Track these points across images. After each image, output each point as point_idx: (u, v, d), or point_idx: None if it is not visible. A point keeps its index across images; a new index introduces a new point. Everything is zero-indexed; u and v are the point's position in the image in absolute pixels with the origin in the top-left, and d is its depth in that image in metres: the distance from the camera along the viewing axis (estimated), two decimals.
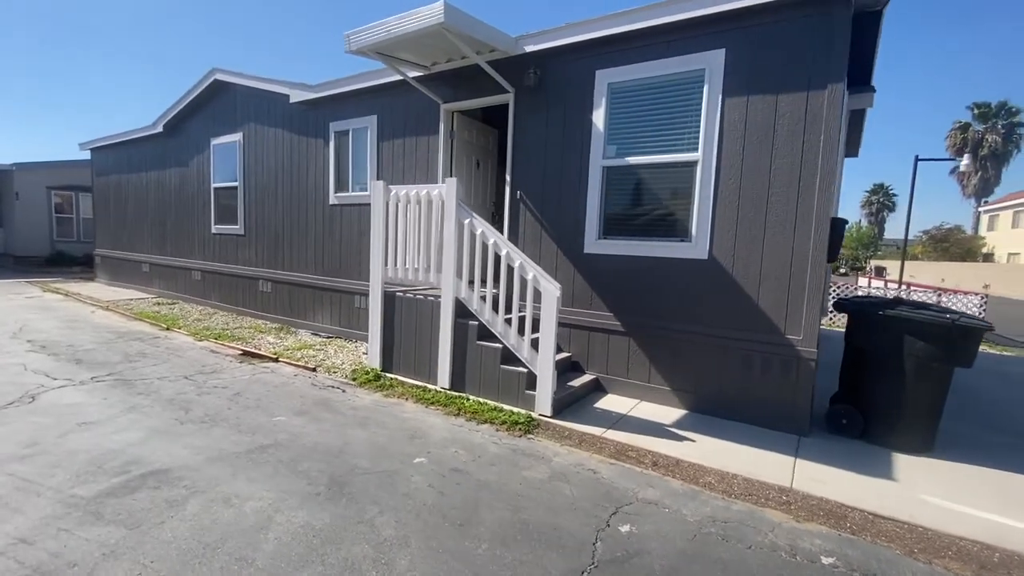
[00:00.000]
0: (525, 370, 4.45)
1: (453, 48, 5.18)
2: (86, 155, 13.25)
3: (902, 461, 3.75)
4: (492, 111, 6.38)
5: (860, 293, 12.46)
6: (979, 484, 3.46)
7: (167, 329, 7.67)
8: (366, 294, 6.66)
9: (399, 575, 2.32)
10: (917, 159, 13.74)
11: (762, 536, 2.78)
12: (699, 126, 4.42)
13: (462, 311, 4.86)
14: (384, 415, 4.40)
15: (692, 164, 4.48)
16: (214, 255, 9.55)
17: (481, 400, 4.63)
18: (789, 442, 3.99)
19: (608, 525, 2.80)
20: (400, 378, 5.29)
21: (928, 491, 3.31)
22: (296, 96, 7.44)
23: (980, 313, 10.20)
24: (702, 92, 4.39)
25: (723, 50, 4.28)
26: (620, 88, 4.82)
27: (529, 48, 5.18)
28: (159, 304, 9.87)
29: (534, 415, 4.30)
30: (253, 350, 6.39)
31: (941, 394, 3.86)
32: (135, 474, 3.14)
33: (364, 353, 6.37)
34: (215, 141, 9.22)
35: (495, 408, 4.44)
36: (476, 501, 3.00)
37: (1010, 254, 35.73)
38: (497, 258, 4.60)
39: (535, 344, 4.37)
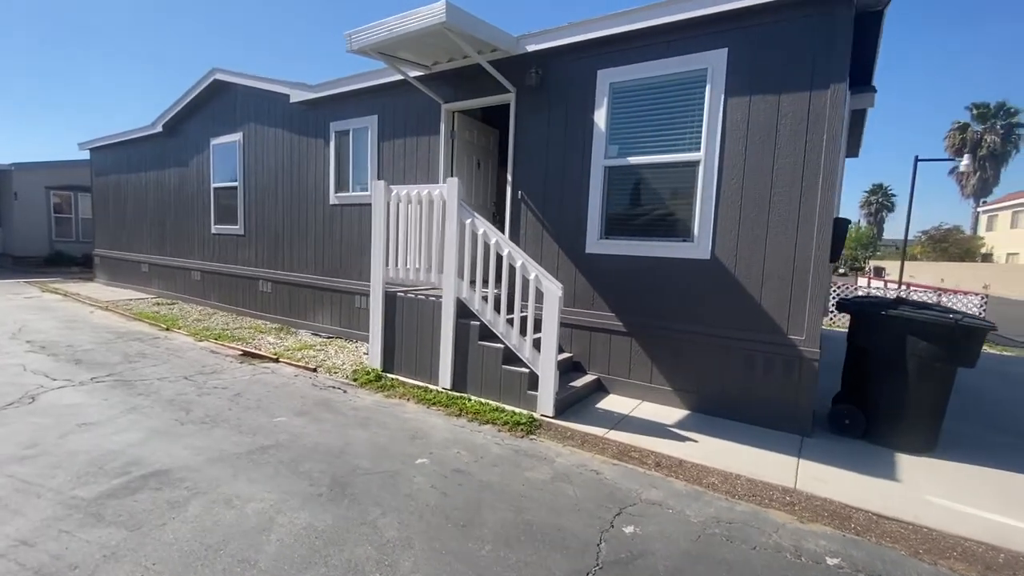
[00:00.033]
0: (527, 370, 4.44)
1: (454, 48, 5.17)
2: (85, 155, 13.22)
3: (905, 461, 3.75)
4: (493, 111, 6.37)
5: (860, 293, 12.46)
6: (982, 484, 3.45)
7: (167, 329, 7.64)
8: (366, 294, 6.65)
9: None
10: (917, 159, 13.76)
11: (766, 537, 2.77)
12: (701, 126, 4.41)
13: (463, 311, 4.84)
14: (385, 416, 4.38)
15: (694, 164, 4.47)
16: (214, 255, 9.53)
17: (483, 400, 4.62)
18: (792, 442, 3.98)
19: (612, 526, 2.78)
20: (401, 378, 5.28)
21: (932, 491, 3.30)
22: (296, 96, 7.43)
23: (980, 313, 10.20)
24: (704, 92, 4.38)
25: (725, 50, 4.28)
26: (622, 88, 4.81)
27: (531, 48, 5.16)
28: (158, 304, 9.84)
29: (536, 415, 4.28)
30: (253, 350, 6.37)
31: (944, 394, 3.85)
32: (136, 475, 3.12)
33: (365, 353, 6.36)
34: (215, 141, 9.20)
35: (497, 409, 4.42)
36: (479, 502, 2.99)
37: (1009, 254, 35.79)
38: (499, 258, 4.59)
39: (537, 344, 4.36)
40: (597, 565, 2.44)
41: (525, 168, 5.47)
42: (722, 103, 4.31)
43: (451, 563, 2.41)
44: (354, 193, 7.08)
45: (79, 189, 17.33)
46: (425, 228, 4.98)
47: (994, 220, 39.33)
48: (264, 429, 3.96)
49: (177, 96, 9.67)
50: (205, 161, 9.48)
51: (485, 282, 4.76)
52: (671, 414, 4.51)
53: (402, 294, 5.34)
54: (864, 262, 42.33)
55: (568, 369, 5.12)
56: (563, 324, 4.95)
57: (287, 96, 7.58)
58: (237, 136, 8.71)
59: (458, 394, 4.81)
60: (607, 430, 4.07)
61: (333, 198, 7.31)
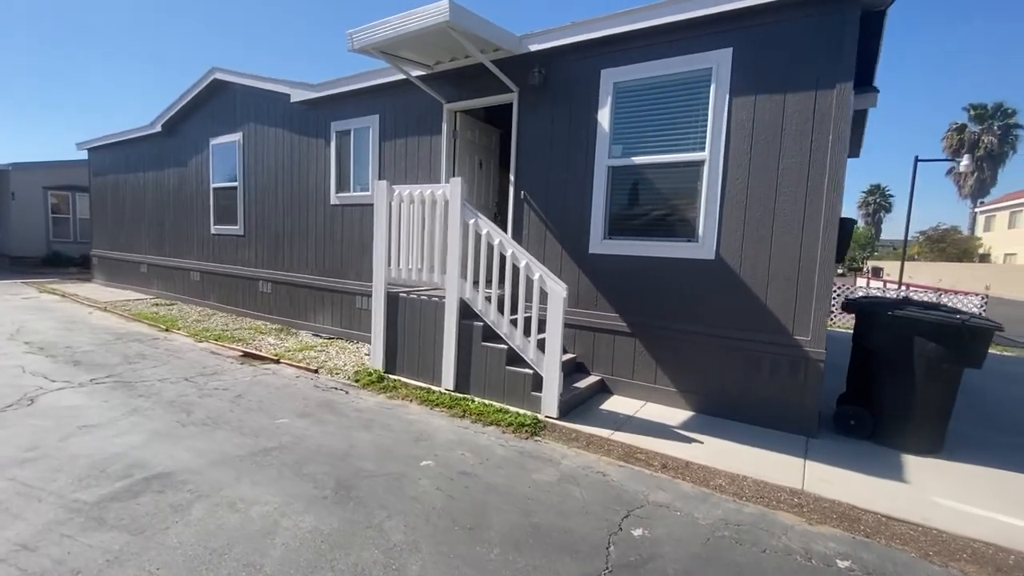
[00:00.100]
0: (531, 371, 4.42)
1: (457, 47, 5.14)
2: (83, 155, 13.16)
3: (912, 462, 3.73)
4: (494, 111, 6.35)
5: (860, 294, 12.47)
6: (990, 485, 3.44)
7: (166, 330, 7.60)
8: (368, 295, 6.61)
9: None
10: (917, 160, 13.77)
11: (776, 539, 2.74)
12: (706, 125, 4.40)
13: (466, 312, 4.82)
14: (388, 417, 4.35)
15: (699, 164, 4.45)
16: (213, 255, 9.48)
17: (486, 402, 4.59)
18: (798, 443, 3.96)
19: (620, 529, 2.76)
20: (404, 379, 5.25)
21: (939, 493, 3.28)
22: (297, 96, 7.39)
23: (981, 314, 10.21)
24: (709, 91, 4.36)
25: (730, 49, 4.26)
26: (626, 87, 4.79)
27: (534, 47, 5.14)
28: (157, 305, 9.79)
29: (540, 417, 4.26)
30: (254, 351, 6.34)
31: (950, 395, 3.84)
32: (138, 478, 3.09)
33: (366, 354, 6.32)
34: (214, 141, 9.16)
35: (500, 410, 4.39)
36: (485, 505, 2.96)
37: (1006, 254, 35.89)
38: (502, 258, 4.57)
39: (541, 345, 4.34)
40: (607, 569, 2.42)
41: (528, 168, 5.45)
42: (727, 103, 4.29)
43: (459, 567, 2.38)
44: (355, 193, 7.04)
45: (77, 189, 17.26)
46: (428, 228, 4.96)
47: (992, 220, 39.44)
48: (266, 431, 3.93)
49: (176, 96, 9.63)
50: (204, 161, 9.44)
51: (488, 283, 4.73)
52: (676, 415, 4.48)
53: (404, 295, 5.31)
54: (862, 263, 42.42)
55: (572, 370, 5.09)
56: (566, 325, 4.89)
57: (287, 96, 7.54)
58: (237, 136, 8.67)
59: (461, 395, 4.78)
60: (612, 431, 4.05)
61: (334, 198, 7.28)
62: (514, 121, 5.50)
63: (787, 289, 4.16)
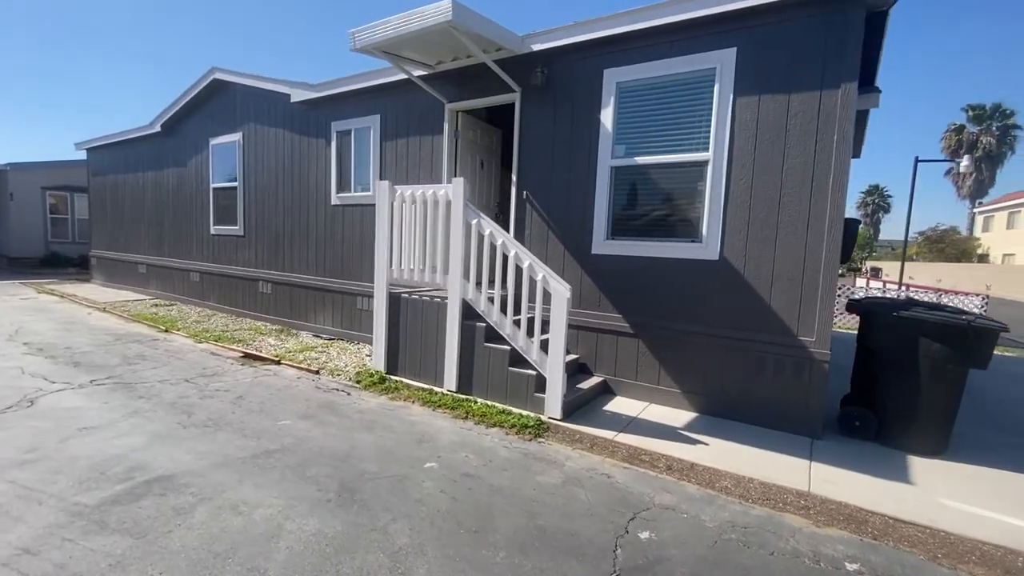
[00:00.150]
0: (534, 372, 4.39)
1: (459, 46, 5.12)
2: (82, 155, 13.11)
3: (917, 464, 3.72)
4: (496, 111, 6.34)
5: (860, 294, 12.46)
6: (996, 487, 3.43)
7: (166, 331, 7.56)
8: (368, 295, 6.59)
9: None
10: (917, 160, 13.78)
11: (783, 542, 2.72)
12: (710, 125, 4.38)
13: (469, 312, 4.79)
14: (391, 418, 4.33)
15: (703, 164, 4.44)
16: (213, 256, 9.45)
17: (489, 403, 4.56)
18: (802, 445, 3.95)
19: (627, 532, 2.74)
20: (405, 380, 5.22)
21: (946, 494, 3.27)
22: (297, 95, 7.36)
23: (982, 314, 10.20)
24: (713, 91, 4.35)
25: (734, 49, 4.24)
26: (629, 87, 4.78)
27: (536, 47, 5.12)
28: (156, 305, 9.75)
29: (543, 418, 4.24)
30: (254, 352, 6.30)
31: (956, 396, 3.83)
32: (139, 480, 3.06)
33: (367, 355, 6.30)
34: (214, 141, 9.12)
35: (503, 411, 4.37)
36: (490, 507, 2.94)
37: (1005, 255, 35.95)
38: (505, 259, 4.55)
39: (544, 346, 4.32)
40: (615, 572, 2.40)
41: (530, 168, 5.43)
42: (731, 103, 4.27)
43: (466, 571, 2.36)
44: (356, 193, 7.02)
45: (75, 190, 17.21)
46: (430, 229, 4.93)
47: (990, 221, 39.52)
48: (268, 433, 3.90)
49: (176, 96, 9.59)
50: (204, 161, 9.40)
51: (491, 283, 4.71)
52: (679, 416, 4.47)
53: (406, 295, 5.28)
54: (861, 263, 42.48)
55: (575, 371, 5.07)
56: (569, 325, 4.88)
57: (288, 96, 7.51)
58: (237, 136, 8.64)
59: (464, 396, 4.75)
60: (616, 433, 4.02)
61: (335, 198, 7.25)
62: (516, 121, 5.48)
63: (791, 290, 4.14)
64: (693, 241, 4.54)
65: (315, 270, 7.65)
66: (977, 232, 41.09)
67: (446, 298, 4.90)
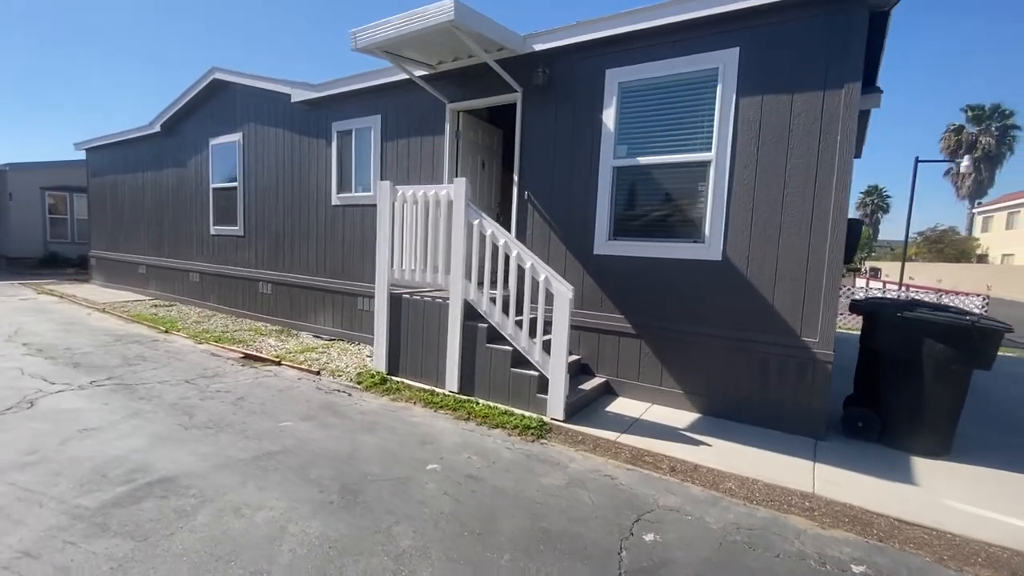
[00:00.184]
0: (536, 373, 4.38)
1: (461, 46, 5.10)
2: (81, 155, 13.08)
3: (921, 465, 3.70)
4: (497, 111, 6.32)
5: (860, 295, 12.46)
6: (1000, 488, 3.42)
7: (166, 332, 7.54)
8: (369, 296, 6.58)
9: None
10: (917, 160, 13.77)
11: (789, 544, 2.71)
12: (712, 126, 4.37)
13: (471, 313, 4.78)
14: (392, 420, 4.31)
15: (705, 164, 4.42)
16: (213, 256, 9.42)
17: (491, 404, 4.55)
18: (806, 446, 3.94)
19: (632, 534, 2.72)
20: (407, 381, 5.20)
21: (951, 495, 3.26)
22: (298, 95, 7.34)
23: (983, 314, 10.20)
24: (715, 91, 4.33)
25: (736, 49, 4.23)
26: (631, 87, 4.76)
27: (538, 47, 5.11)
28: (156, 306, 9.72)
29: (546, 419, 4.22)
30: (255, 353, 6.28)
31: (960, 397, 3.82)
32: (141, 482, 3.04)
33: (368, 356, 6.28)
34: (214, 141, 9.10)
35: (505, 412, 4.36)
36: (494, 509, 2.92)
37: (1004, 255, 35.99)
38: (507, 259, 4.53)
39: (546, 346, 4.30)
40: (620, 574, 2.38)
41: (532, 168, 5.41)
42: (734, 103, 4.26)
43: (470, 574, 2.34)
44: (357, 194, 7.00)
45: (75, 190, 17.18)
46: (431, 229, 4.92)
47: (989, 221, 39.57)
48: (270, 434, 3.88)
49: (176, 96, 9.57)
50: (204, 161, 9.38)
51: (493, 284, 4.70)
52: (682, 417, 4.45)
53: (407, 296, 5.27)
54: (860, 263, 42.52)
55: (576, 372, 5.05)
56: (571, 326, 4.87)
57: (288, 96, 7.49)
58: (237, 136, 8.61)
59: (465, 397, 4.74)
60: (619, 434, 4.01)
61: (335, 199, 7.23)
62: (518, 121, 5.47)
63: (795, 290, 4.13)
64: (696, 241, 4.53)
65: (315, 270, 7.63)
66: (976, 232, 41.14)
67: (447, 299, 4.88)
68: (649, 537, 2.70)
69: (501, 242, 4.53)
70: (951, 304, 10.61)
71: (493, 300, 4.63)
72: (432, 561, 2.42)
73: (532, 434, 4.02)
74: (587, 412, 4.48)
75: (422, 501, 2.97)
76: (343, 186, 7.17)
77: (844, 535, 2.83)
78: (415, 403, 4.73)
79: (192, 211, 9.80)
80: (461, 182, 4.65)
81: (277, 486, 3.08)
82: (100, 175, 12.51)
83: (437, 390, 4.93)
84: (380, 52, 5.27)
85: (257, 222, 8.47)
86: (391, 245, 5.23)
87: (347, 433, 3.97)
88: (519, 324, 4.48)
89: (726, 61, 4.26)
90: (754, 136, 4.21)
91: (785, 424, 4.17)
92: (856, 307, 4.37)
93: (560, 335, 4.14)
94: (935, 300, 11.00)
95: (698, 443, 3.92)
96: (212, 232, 9.35)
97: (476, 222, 4.63)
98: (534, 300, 4.36)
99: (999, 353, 9.13)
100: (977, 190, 40.54)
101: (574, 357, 5.09)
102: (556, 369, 4.21)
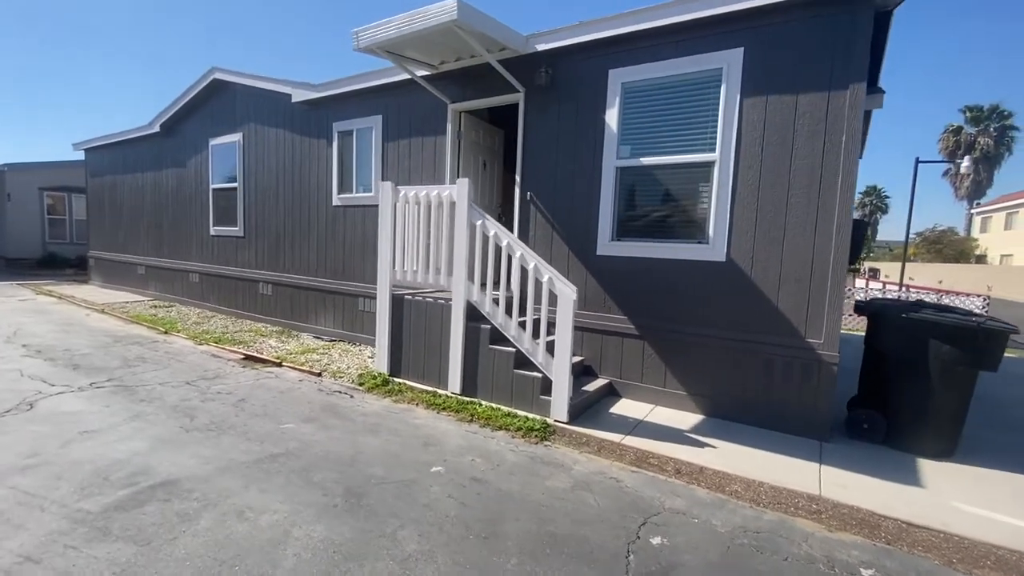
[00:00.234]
0: (540, 375, 4.36)
1: (463, 46, 5.09)
2: (80, 155, 13.03)
3: (927, 466, 3.69)
4: (498, 111, 6.30)
5: (860, 295, 12.46)
6: (1007, 489, 3.40)
7: (165, 333, 7.51)
8: (370, 297, 6.56)
9: None
10: (918, 161, 13.78)
11: (797, 547, 2.69)
12: (716, 126, 4.35)
13: (473, 314, 4.75)
14: (395, 421, 4.29)
15: (709, 165, 4.41)
16: (212, 257, 9.39)
17: (494, 405, 4.53)
18: (811, 447, 3.92)
19: (638, 537, 2.70)
20: (409, 383, 5.18)
21: (958, 497, 3.24)
22: (298, 96, 7.32)
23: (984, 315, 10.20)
24: (720, 92, 4.32)
25: (741, 49, 4.22)
26: (634, 88, 4.75)
27: (540, 47, 5.09)
28: (156, 307, 9.69)
29: (550, 421, 4.20)
30: (255, 354, 6.25)
31: (965, 398, 3.80)
32: (143, 486, 3.01)
33: (370, 357, 6.25)
34: (214, 141, 9.07)
35: (509, 414, 4.33)
36: (499, 512, 2.90)
37: (1003, 255, 36.05)
38: (510, 260, 4.51)
39: (550, 348, 4.28)
40: None
41: (534, 169, 5.39)
42: (738, 103, 4.24)
43: None
44: (358, 194, 6.98)
45: (73, 190, 17.13)
46: (434, 230, 4.89)
47: (988, 222, 39.62)
48: (272, 436, 3.86)
49: (176, 96, 9.53)
50: (204, 161, 9.35)
51: (495, 285, 4.67)
52: (686, 419, 4.43)
53: (409, 297, 5.24)
54: (860, 264, 42.56)
55: (579, 373, 5.03)
56: (574, 327, 4.86)
57: (288, 96, 7.47)
58: (237, 136, 8.58)
59: (468, 399, 4.71)
60: (623, 436, 3.99)
61: (336, 199, 7.20)
62: (520, 121, 5.45)
63: (799, 291, 4.12)
64: (699, 242, 4.51)
65: (316, 271, 7.61)
66: (975, 233, 41.19)
67: (450, 300, 4.86)
68: (656, 540, 2.68)
69: (504, 243, 4.51)
70: (951, 304, 10.62)
71: (496, 301, 4.61)
72: (438, 566, 2.39)
73: (536, 436, 4.00)
74: (591, 414, 4.46)
75: (427, 504, 2.95)
76: (344, 186, 7.15)
77: (852, 538, 2.81)
78: (417, 405, 4.71)
79: (192, 211, 9.77)
80: (464, 183, 4.63)
81: (280, 489, 3.05)
82: (99, 175, 12.46)
83: (439, 392, 4.91)
84: (382, 52, 5.24)
85: (257, 222, 8.44)
86: (393, 246, 5.21)
87: (350, 435, 3.94)
88: (522, 325, 4.46)
89: (730, 61, 4.25)
90: (758, 137, 4.20)
91: (790, 426, 4.15)
92: (861, 308, 4.36)
93: (564, 336, 4.12)
94: (935, 301, 11.00)
95: (703, 445, 3.90)
96: (212, 232, 9.32)
97: (479, 223, 4.61)
98: (537, 301, 4.34)
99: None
100: (976, 190, 40.59)
101: (577, 358, 5.07)
102: (560, 371, 4.19)
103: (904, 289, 12.63)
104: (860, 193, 51.94)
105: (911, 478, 3.49)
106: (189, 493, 2.95)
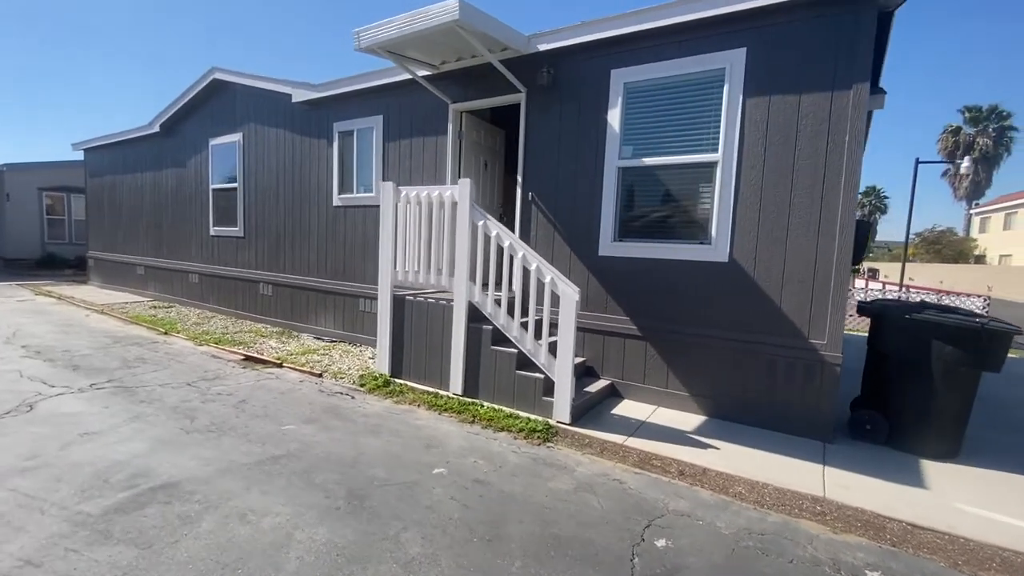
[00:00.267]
0: (542, 376, 4.34)
1: (464, 46, 5.07)
2: (79, 156, 13.00)
3: (931, 468, 3.68)
4: (499, 111, 6.29)
5: (860, 296, 12.46)
6: (1011, 491, 3.39)
7: (165, 333, 7.48)
8: (371, 297, 6.54)
9: None
10: (918, 161, 13.78)
11: (802, 549, 2.68)
12: (719, 126, 4.34)
13: (475, 315, 4.74)
14: (397, 423, 4.27)
15: (712, 165, 4.40)
16: (212, 257, 9.37)
17: (496, 407, 4.51)
18: (815, 449, 3.91)
19: (643, 539, 2.69)
20: (410, 384, 5.16)
21: (962, 499, 3.23)
22: (299, 96, 7.30)
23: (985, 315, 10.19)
24: (722, 92, 4.30)
25: (743, 49, 4.21)
26: (636, 88, 4.73)
27: (542, 47, 5.08)
28: (155, 307, 9.66)
29: (552, 422, 4.19)
30: (256, 355, 6.23)
31: (969, 399, 3.79)
32: (144, 488, 2.99)
33: (371, 358, 6.23)
34: (214, 141, 9.05)
35: (510, 415, 4.32)
36: (503, 514, 2.88)
37: (1001, 256, 36.08)
38: (512, 261, 4.49)
39: (552, 349, 4.27)
40: None
41: (536, 169, 5.38)
42: (741, 103, 4.23)
43: None
44: (358, 195, 6.96)
45: (73, 190, 17.09)
46: (435, 230, 4.88)
47: (987, 222, 39.66)
48: (273, 438, 3.84)
49: (175, 95, 9.51)
50: (203, 162, 9.33)
51: (497, 285, 4.66)
52: (689, 420, 4.42)
53: (411, 297, 5.23)
54: (860, 264, 42.60)
55: (581, 374, 5.02)
56: (576, 328, 4.85)
57: (289, 96, 7.45)
58: (237, 136, 8.56)
59: (470, 400, 4.69)
60: (626, 437, 3.98)
61: (336, 199, 7.19)
62: (522, 122, 5.43)
63: (802, 292, 4.11)
64: (702, 243, 4.50)
65: (317, 272, 7.59)
66: (974, 233, 41.23)
67: (451, 300, 4.84)
68: (661, 543, 2.67)
69: (506, 243, 4.49)
70: (953, 305, 10.62)
71: (498, 302, 4.59)
72: (442, 569, 2.38)
73: (538, 437, 3.98)
74: (593, 415, 4.44)
75: (430, 506, 2.93)
76: (344, 187, 7.13)
77: (857, 540, 2.80)
78: (419, 406, 4.69)
79: (191, 212, 9.74)
80: (466, 183, 4.62)
81: (282, 491, 3.04)
82: (98, 175, 12.43)
83: (441, 392, 4.89)
84: (383, 52, 5.23)
85: (257, 223, 8.42)
86: (394, 246, 5.19)
87: (351, 436, 3.93)
88: (524, 326, 4.44)
89: (733, 61, 4.24)
90: (761, 137, 4.19)
91: (793, 427, 4.14)
92: (864, 309, 4.35)
93: (566, 337, 4.11)
94: (936, 301, 11.00)
95: (706, 446, 3.89)
96: (212, 233, 9.30)
97: (480, 223, 4.59)
98: (539, 302, 4.33)
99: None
100: (974, 191, 40.63)
101: (579, 359, 5.05)
102: (562, 371, 4.17)
103: (904, 289, 12.63)
104: (859, 193, 51.97)
105: (915, 479, 3.48)
106: (190, 495, 2.94)
